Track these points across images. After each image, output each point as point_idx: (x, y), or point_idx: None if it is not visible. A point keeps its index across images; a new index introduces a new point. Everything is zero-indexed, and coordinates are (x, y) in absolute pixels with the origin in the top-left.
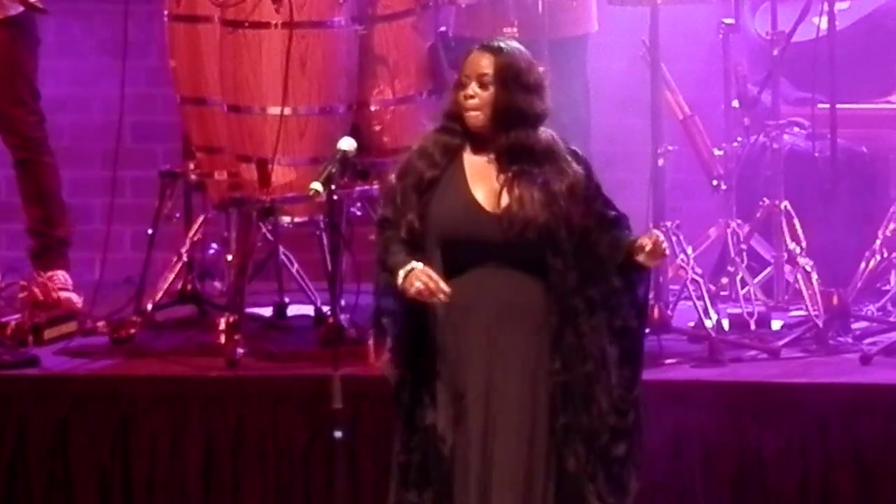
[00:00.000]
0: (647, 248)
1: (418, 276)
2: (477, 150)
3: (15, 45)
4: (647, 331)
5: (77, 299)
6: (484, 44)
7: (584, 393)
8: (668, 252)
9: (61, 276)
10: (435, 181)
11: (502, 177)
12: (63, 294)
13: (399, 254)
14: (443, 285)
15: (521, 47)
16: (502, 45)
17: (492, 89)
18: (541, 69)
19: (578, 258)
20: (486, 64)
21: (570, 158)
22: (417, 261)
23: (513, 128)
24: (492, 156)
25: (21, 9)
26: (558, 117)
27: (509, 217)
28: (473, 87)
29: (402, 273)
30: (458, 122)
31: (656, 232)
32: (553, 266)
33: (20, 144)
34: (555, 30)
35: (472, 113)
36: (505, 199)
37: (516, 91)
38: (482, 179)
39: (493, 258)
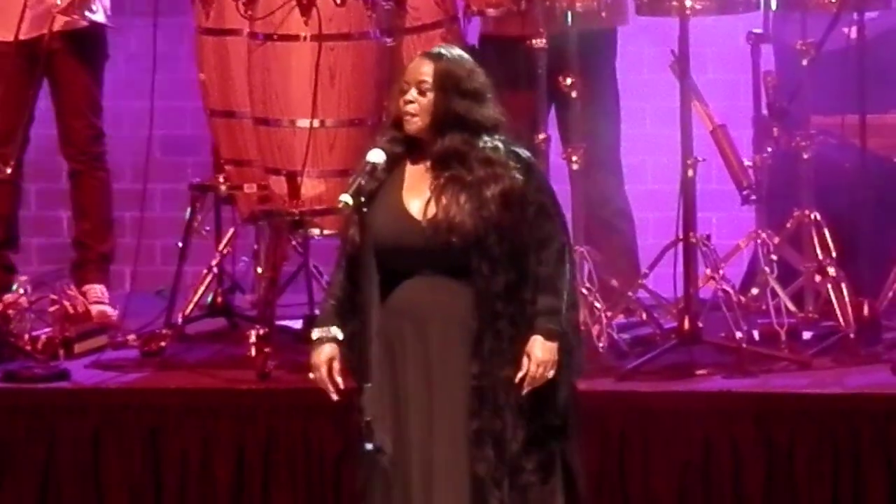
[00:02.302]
0: (524, 369)
1: (317, 365)
2: (417, 158)
3: (78, 58)
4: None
5: (112, 312)
6: (426, 51)
7: (502, 398)
8: (544, 376)
9: (98, 289)
10: (375, 193)
11: (433, 184)
12: (98, 308)
13: (330, 298)
14: (334, 383)
15: (464, 54)
16: (443, 51)
17: (430, 96)
18: (483, 77)
19: (509, 264)
20: (425, 70)
21: (511, 164)
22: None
23: (448, 134)
24: (428, 163)
25: (87, 23)
26: (585, 112)
27: (434, 224)
28: (413, 93)
29: (314, 335)
30: (401, 129)
31: (531, 368)
32: (478, 270)
33: (75, 156)
34: (581, 24)
35: (411, 118)
36: (433, 208)
37: (455, 97)
38: (417, 188)
39: (426, 267)
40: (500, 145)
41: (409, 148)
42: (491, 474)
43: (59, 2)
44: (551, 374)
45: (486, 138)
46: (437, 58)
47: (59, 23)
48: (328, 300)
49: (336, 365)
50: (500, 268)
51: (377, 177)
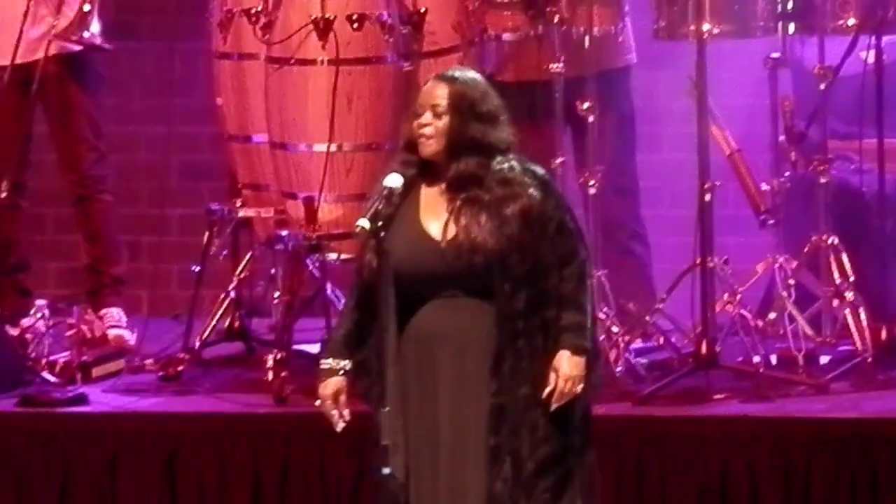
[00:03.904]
0: (552, 385)
1: (324, 398)
2: (431, 181)
3: (73, 82)
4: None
5: (129, 336)
6: (439, 74)
7: (520, 416)
8: (573, 391)
9: (115, 313)
10: (392, 218)
11: (451, 206)
12: (115, 332)
13: (341, 327)
14: (341, 415)
15: (477, 77)
16: (457, 74)
17: (446, 119)
18: (497, 99)
19: (530, 282)
20: (440, 94)
21: (528, 181)
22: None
23: (464, 157)
24: (443, 186)
25: (81, 47)
26: (602, 137)
27: (456, 246)
28: (427, 116)
29: (322, 366)
30: (414, 152)
31: (559, 383)
32: (501, 290)
33: (78, 181)
34: (599, 62)
35: (426, 141)
36: (452, 229)
37: (470, 120)
38: (434, 211)
39: (446, 289)
40: (516, 164)
41: (422, 171)
42: (508, 493)
43: (54, 25)
44: (579, 388)
45: (499, 159)
46: (451, 81)
47: (55, 47)
48: (338, 329)
49: (342, 398)
50: (521, 286)
51: (393, 202)
